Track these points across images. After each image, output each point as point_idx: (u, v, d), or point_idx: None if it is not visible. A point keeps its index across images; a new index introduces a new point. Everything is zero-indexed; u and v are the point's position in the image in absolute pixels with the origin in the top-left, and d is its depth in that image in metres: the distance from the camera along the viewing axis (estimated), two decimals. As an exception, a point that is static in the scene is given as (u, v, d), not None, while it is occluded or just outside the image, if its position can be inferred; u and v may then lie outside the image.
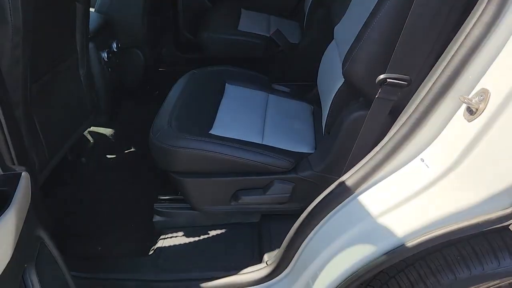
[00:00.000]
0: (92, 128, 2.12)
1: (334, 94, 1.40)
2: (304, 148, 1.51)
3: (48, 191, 1.63)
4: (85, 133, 2.07)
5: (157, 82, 2.45)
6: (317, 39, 2.16)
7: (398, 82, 1.07)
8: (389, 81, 1.07)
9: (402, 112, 1.04)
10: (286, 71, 2.33)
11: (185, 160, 1.36)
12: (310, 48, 2.24)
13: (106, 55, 1.91)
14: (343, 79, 1.33)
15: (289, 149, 1.45)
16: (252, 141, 1.43)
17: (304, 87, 1.98)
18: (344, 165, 1.24)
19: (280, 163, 1.38)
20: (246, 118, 1.54)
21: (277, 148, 1.43)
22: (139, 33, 2.19)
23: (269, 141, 1.46)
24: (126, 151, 2.09)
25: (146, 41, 2.22)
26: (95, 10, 2.04)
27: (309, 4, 2.27)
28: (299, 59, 2.28)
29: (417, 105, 0.98)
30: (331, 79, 1.48)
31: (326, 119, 1.45)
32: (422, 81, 1.02)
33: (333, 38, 1.61)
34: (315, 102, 1.75)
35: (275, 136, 1.49)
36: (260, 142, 1.44)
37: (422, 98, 0.97)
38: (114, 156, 2.05)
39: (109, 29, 2.02)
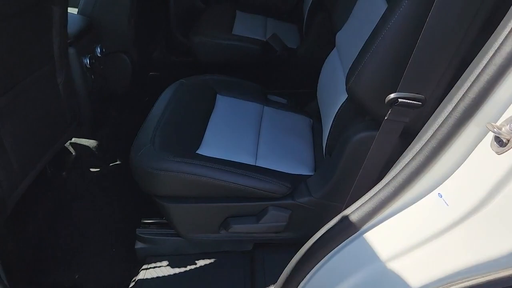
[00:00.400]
0: (74, 140, 1.97)
1: (336, 111, 1.27)
2: (302, 170, 1.37)
3: (23, 209, 1.49)
4: (67, 145, 1.92)
5: (148, 88, 2.32)
6: (317, 45, 2.04)
7: (411, 102, 0.92)
8: (401, 101, 0.92)
9: (416, 138, 0.90)
10: (284, 77, 2.19)
11: (168, 184, 1.21)
12: (309, 53, 2.11)
13: (88, 61, 1.77)
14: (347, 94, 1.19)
15: (285, 171, 1.31)
16: (244, 162, 1.28)
17: (302, 96, 1.86)
18: (346, 191, 1.09)
19: (275, 188, 1.23)
20: (238, 136, 1.39)
21: (271, 170, 1.29)
22: (126, 37, 2.04)
23: (263, 163, 1.32)
24: (111, 164, 1.94)
25: (134, 45, 2.07)
26: (78, 12, 1.89)
27: (308, 7, 2.12)
28: (298, 65, 2.16)
29: (435, 131, 0.84)
30: (333, 93, 1.34)
31: (327, 139, 1.32)
32: (436, 100, 0.88)
33: (334, 45, 1.46)
34: (315, 115, 1.61)
35: (270, 157, 1.35)
36: (253, 164, 1.30)
37: (441, 123, 0.82)
38: (98, 169, 1.90)
39: (93, 32, 1.87)
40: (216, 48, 2.13)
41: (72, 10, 1.77)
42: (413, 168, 0.87)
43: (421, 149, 0.85)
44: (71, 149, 1.95)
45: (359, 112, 1.20)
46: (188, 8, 2.59)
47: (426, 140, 0.85)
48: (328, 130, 1.31)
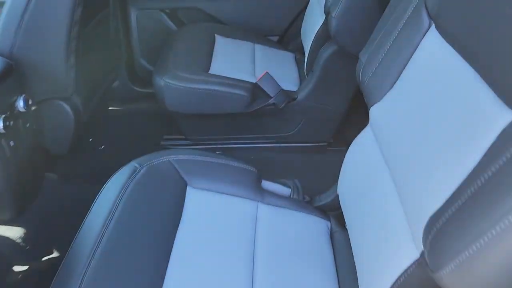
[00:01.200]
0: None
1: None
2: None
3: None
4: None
5: (106, 130, 1.97)
6: (325, 86, 1.60)
7: None
8: None
9: None
10: (283, 133, 1.76)
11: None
12: (314, 98, 1.61)
13: (2, 124, 1.25)
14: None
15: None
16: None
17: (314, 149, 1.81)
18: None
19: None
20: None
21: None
22: (63, 80, 1.48)
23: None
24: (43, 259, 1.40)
25: (77, 88, 1.58)
26: (-9, 52, 1.43)
27: (313, 33, 1.60)
28: (301, 116, 1.69)
29: None
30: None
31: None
32: None
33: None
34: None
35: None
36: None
37: None
38: (19, 275, 1.34)
39: (12, 79, 1.36)
40: (188, 95, 1.58)
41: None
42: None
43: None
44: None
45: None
46: (155, 30, 2.08)
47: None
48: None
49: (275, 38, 2.16)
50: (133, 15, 2.06)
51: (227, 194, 1.10)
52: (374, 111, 0.94)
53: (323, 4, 1.50)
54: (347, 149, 1.97)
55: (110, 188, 1.05)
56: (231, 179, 1.14)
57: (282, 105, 1.58)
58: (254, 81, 1.62)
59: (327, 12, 1.42)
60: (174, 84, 1.56)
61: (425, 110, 0.76)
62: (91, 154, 1.89)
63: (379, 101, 0.93)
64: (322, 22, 1.54)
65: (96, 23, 1.68)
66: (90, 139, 2.01)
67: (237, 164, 1.16)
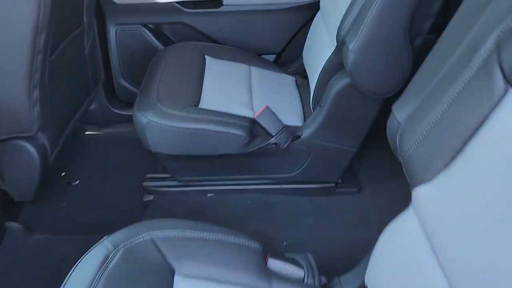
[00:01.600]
0: None
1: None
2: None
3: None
4: None
5: (82, 160, 1.82)
6: (335, 123, 1.39)
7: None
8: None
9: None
10: (285, 173, 1.54)
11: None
12: (322, 136, 1.40)
13: None
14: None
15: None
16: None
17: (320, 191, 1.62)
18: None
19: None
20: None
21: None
22: (25, 117, 1.26)
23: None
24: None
25: (42, 124, 1.34)
26: None
27: (320, 65, 1.36)
28: (306, 155, 1.47)
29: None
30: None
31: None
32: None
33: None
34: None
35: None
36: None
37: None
38: None
39: None
40: (174, 135, 1.33)
41: None
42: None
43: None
44: None
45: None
46: (137, 47, 1.85)
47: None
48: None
49: (272, 57, 1.94)
50: (112, 31, 1.82)
51: (224, 282, 0.87)
52: (421, 194, 0.72)
53: (333, 28, 1.28)
54: (358, 190, 1.73)
55: (75, 282, 0.82)
56: (229, 261, 0.91)
57: (285, 146, 1.36)
58: (251, 115, 1.39)
59: (341, 42, 1.19)
60: (158, 123, 1.31)
61: (500, 202, 0.55)
62: (62, 196, 1.64)
63: (427, 182, 0.71)
64: (332, 51, 1.31)
65: (66, 45, 1.44)
66: (63, 174, 1.77)
67: (237, 239, 0.93)
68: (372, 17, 1.07)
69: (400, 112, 0.81)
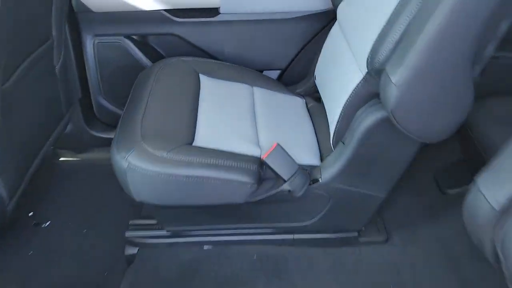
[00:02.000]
0: None
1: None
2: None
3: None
4: None
5: (54, 193, 1.61)
6: (362, 165, 1.15)
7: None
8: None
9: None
10: (299, 222, 1.28)
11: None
12: (345, 179, 1.15)
13: None
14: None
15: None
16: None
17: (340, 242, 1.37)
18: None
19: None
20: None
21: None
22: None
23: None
24: None
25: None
26: None
27: (343, 96, 1.10)
28: (325, 201, 1.22)
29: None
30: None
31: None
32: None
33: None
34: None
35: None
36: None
37: None
38: None
39: None
40: (163, 184, 1.05)
41: None
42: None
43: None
44: None
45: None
46: (118, 61, 1.60)
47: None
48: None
49: (275, 73, 1.68)
50: (89, 44, 1.54)
51: None
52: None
53: (360, 51, 1.03)
54: (385, 241, 1.49)
55: None
56: None
57: (300, 193, 1.10)
58: (258, 152, 1.13)
59: (376, 70, 0.93)
60: (142, 169, 1.03)
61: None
62: (29, 241, 1.37)
63: None
64: (361, 79, 1.06)
65: (28, 66, 1.16)
66: (30, 214, 1.50)
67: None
68: (425, 43, 0.81)
69: (496, 195, 0.56)
